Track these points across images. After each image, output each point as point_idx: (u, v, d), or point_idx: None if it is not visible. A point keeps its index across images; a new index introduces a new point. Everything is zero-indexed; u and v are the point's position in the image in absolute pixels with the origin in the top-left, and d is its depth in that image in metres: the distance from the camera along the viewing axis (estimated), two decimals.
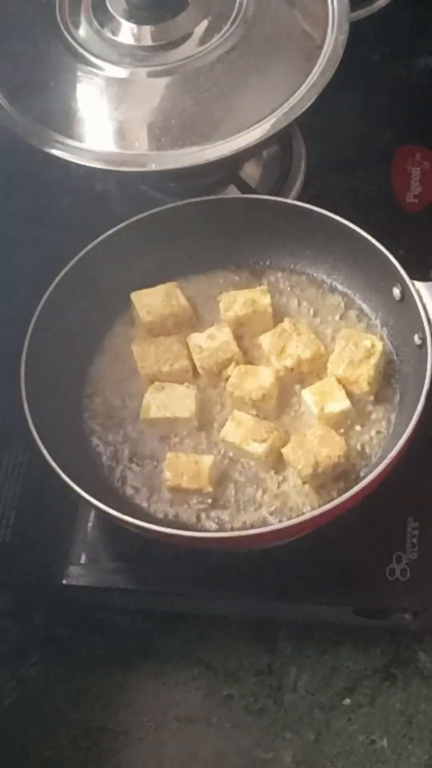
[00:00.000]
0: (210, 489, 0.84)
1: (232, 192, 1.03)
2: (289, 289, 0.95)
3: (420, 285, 0.86)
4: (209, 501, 0.85)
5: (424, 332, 0.84)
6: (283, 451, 0.84)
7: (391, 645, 0.91)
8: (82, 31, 0.96)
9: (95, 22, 0.96)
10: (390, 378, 0.89)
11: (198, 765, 0.89)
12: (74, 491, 0.79)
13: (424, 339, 0.83)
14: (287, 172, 1.07)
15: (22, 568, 0.90)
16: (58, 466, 0.80)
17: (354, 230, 0.90)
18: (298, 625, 0.93)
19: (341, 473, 0.84)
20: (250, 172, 1.07)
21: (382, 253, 0.88)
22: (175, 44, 0.94)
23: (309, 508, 0.83)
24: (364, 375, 0.87)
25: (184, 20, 0.94)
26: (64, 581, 0.89)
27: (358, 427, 0.87)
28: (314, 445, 0.83)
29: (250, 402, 0.87)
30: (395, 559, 0.87)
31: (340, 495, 0.79)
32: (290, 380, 0.89)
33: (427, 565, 0.87)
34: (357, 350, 0.87)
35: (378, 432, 0.87)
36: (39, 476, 0.88)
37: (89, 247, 0.91)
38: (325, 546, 0.86)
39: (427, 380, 0.81)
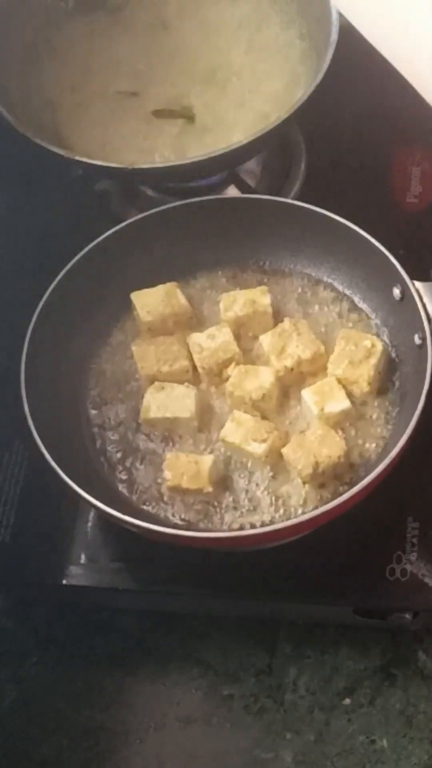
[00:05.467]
0: (210, 489, 0.84)
1: (232, 192, 1.03)
2: (289, 289, 0.95)
3: (420, 285, 0.86)
4: (209, 501, 0.85)
5: (424, 332, 0.84)
6: (283, 451, 0.84)
7: (391, 645, 0.91)
8: None
9: None
10: (390, 378, 0.89)
11: (198, 765, 0.89)
12: (74, 491, 0.79)
13: (424, 339, 0.83)
14: (287, 172, 1.07)
15: (22, 568, 0.90)
16: (58, 466, 0.80)
17: (354, 230, 0.90)
18: (298, 625, 0.93)
19: (341, 473, 0.84)
20: (250, 172, 1.07)
21: (382, 253, 0.88)
22: None
23: (309, 508, 0.83)
24: (364, 375, 0.87)
25: None
26: (64, 581, 0.89)
27: (358, 427, 0.87)
28: (314, 445, 0.83)
29: (250, 402, 0.87)
30: (395, 559, 0.87)
31: (340, 495, 0.79)
32: (290, 380, 0.89)
33: (427, 565, 0.87)
34: (357, 350, 0.87)
35: (378, 432, 0.87)
36: (39, 476, 0.88)
37: (89, 247, 0.91)
38: (325, 546, 0.86)
39: (427, 380, 0.81)
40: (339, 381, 0.87)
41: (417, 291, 0.85)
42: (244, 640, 0.93)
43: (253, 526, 0.83)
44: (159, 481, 0.86)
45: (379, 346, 0.88)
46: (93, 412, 0.91)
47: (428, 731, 0.88)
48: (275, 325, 0.90)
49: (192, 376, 0.90)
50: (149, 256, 0.94)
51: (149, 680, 0.92)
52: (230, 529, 0.84)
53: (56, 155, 0.91)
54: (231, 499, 0.85)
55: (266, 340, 0.89)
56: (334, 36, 0.94)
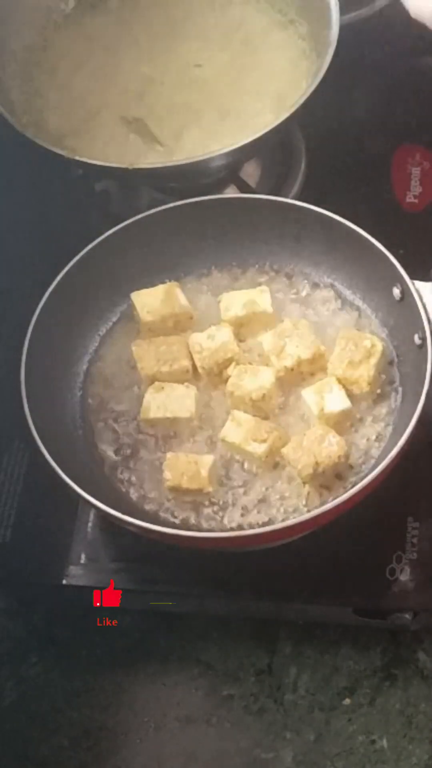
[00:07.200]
0: (210, 489, 0.84)
1: (232, 192, 1.03)
2: (289, 289, 0.95)
3: (420, 285, 0.86)
4: (209, 501, 0.85)
5: (424, 332, 0.84)
6: (283, 451, 0.84)
7: (391, 645, 0.91)
8: None
9: None
10: (390, 378, 0.89)
11: (198, 765, 0.88)
12: (74, 491, 0.79)
13: (424, 339, 0.83)
14: (287, 172, 1.07)
15: (22, 568, 0.90)
16: (58, 466, 0.80)
17: (354, 230, 0.90)
18: (298, 625, 0.93)
19: (341, 473, 0.84)
20: (250, 172, 1.07)
21: (382, 253, 0.88)
22: None
23: (309, 508, 0.83)
24: (364, 375, 0.87)
25: None
26: (64, 581, 0.89)
27: (358, 427, 0.87)
28: (314, 445, 0.83)
29: (250, 402, 0.87)
30: (395, 559, 0.87)
31: (340, 495, 0.79)
32: (290, 380, 0.89)
33: (427, 565, 0.87)
34: (357, 350, 0.87)
35: (378, 432, 0.87)
36: (39, 476, 0.88)
37: (89, 247, 0.91)
38: (326, 546, 0.86)
39: (427, 380, 0.81)
40: (339, 381, 0.87)
41: (417, 291, 0.85)
42: (244, 640, 0.93)
43: (252, 526, 0.83)
44: (159, 481, 0.86)
45: (379, 346, 0.88)
46: (93, 412, 0.91)
47: (428, 731, 0.88)
48: (275, 325, 0.90)
49: (192, 376, 0.90)
50: (149, 256, 0.94)
51: (149, 680, 0.92)
52: (230, 529, 0.84)
53: (56, 155, 0.91)
54: (231, 499, 0.85)
55: (266, 340, 0.89)
56: (334, 36, 0.94)
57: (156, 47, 1.04)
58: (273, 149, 1.07)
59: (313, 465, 0.82)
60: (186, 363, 0.89)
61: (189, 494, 0.85)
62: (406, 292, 0.87)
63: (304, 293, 0.95)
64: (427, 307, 0.85)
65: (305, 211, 0.92)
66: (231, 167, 1.02)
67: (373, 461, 0.85)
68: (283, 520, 0.83)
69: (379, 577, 0.87)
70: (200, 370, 0.90)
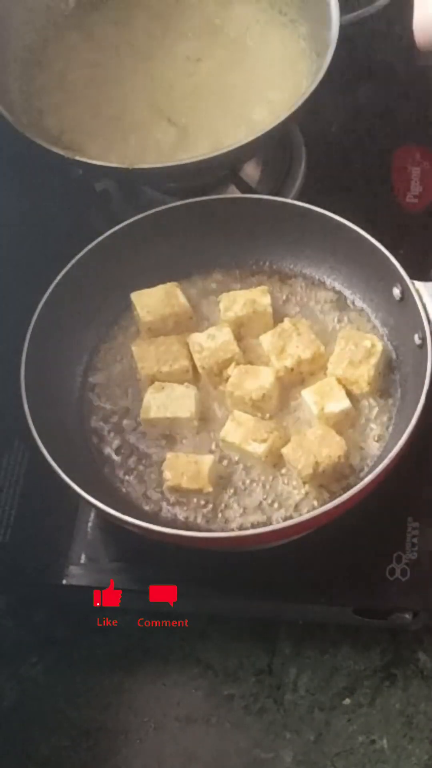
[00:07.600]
0: (210, 489, 0.84)
1: (232, 192, 1.03)
2: (288, 289, 0.95)
3: (420, 285, 0.86)
4: (209, 501, 0.85)
5: (424, 332, 0.84)
6: (283, 451, 0.84)
7: (391, 645, 0.91)
8: None
9: None
10: (390, 378, 0.89)
11: (198, 765, 0.88)
12: (74, 491, 0.79)
13: (424, 339, 0.83)
14: (287, 172, 1.07)
15: (22, 568, 0.90)
16: (58, 465, 0.80)
17: (354, 230, 0.90)
18: (298, 625, 0.93)
19: (341, 473, 0.84)
20: (250, 172, 1.07)
21: (382, 253, 0.88)
22: None
23: (309, 508, 0.83)
24: (364, 375, 0.87)
25: None
26: (64, 581, 0.89)
27: (358, 427, 0.87)
28: (314, 445, 0.83)
29: (250, 402, 0.87)
30: (395, 559, 0.87)
31: (340, 495, 0.79)
32: (290, 380, 0.89)
33: (427, 565, 0.87)
34: (357, 350, 0.87)
35: (378, 432, 0.87)
36: (39, 476, 0.88)
37: (89, 247, 0.91)
38: (325, 546, 0.86)
39: (427, 380, 0.81)
40: (339, 381, 0.87)
41: (417, 291, 0.85)
42: (244, 640, 0.93)
43: (253, 526, 0.83)
44: (159, 481, 0.86)
45: (379, 346, 0.88)
46: (93, 412, 0.91)
47: (428, 731, 0.88)
48: (275, 325, 0.90)
49: (192, 376, 0.90)
50: (149, 256, 0.94)
51: (149, 680, 0.92)
52: (230, 529, 0.84)
53: (56, 155, 0.91)
54: (231, 499, 0.85)
55: (266, 340, 0.89)
56: (334, 36, 0.94)
57: (156, 46, 1.04)
58: (273, 149, 1.07)
59: (313, 465, 0.82)
60: (186, 363, 0.89)
61: (189, 494, 0.85)
62: (406, 292, 0.87)
63: (304, 293, 0.95)
64: (427, 307, 0.85)
65: (305, 211, 0.92)
66: (231, 167, 1.02)
67: (373, 461, 0.85)
68: (283, 520, 0.83)
69: (379, 577, 0.86)
70: (200, 370, 0.90)
